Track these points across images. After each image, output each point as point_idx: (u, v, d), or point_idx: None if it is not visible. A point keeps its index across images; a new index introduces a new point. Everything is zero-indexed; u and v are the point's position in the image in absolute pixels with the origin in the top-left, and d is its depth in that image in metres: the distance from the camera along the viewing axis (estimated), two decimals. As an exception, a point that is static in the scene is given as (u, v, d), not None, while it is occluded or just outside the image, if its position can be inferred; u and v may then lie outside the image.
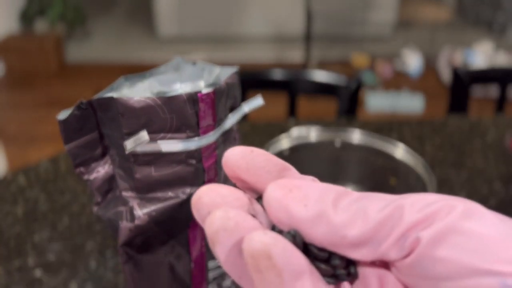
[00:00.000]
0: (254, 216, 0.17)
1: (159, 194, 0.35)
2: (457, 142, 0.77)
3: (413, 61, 2.62)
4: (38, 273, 0.49)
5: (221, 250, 0.15)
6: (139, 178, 0.35)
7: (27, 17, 2.80)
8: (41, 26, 2.83)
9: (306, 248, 0.16)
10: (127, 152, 0.33)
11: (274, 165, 0.18)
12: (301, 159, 0.56)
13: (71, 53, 2.88)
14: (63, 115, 0.33)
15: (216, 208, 0.16)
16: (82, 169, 0.36)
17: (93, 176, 0.36)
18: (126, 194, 0.37)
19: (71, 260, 0.51)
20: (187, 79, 0.37)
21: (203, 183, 0.35)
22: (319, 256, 0.16)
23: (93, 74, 2.64)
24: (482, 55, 2.52)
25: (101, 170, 0.37)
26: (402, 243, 0.15)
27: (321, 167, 0.58)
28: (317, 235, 0.16)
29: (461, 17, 3.43)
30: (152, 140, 0.33)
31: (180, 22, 3.04)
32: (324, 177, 0.28)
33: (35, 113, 2.22)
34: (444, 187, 0.65)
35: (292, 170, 0.18)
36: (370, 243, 0.15)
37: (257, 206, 0.18)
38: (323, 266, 0.16)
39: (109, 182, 0.37)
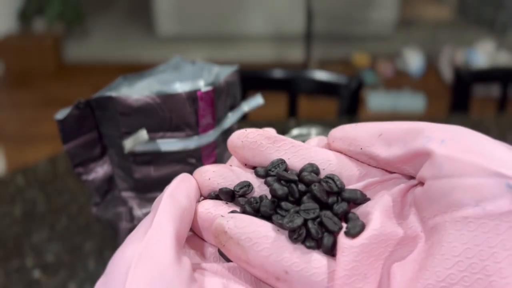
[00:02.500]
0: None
1: (159, 194, 0.34)
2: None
3: (414, 61, 2.62)
4: (36, 274, 0.49)
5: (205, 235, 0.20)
6: (139, 178, 0.35)
7: (25, 16, 2.79)
8: (39, 25, 2.82)
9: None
10: (126, 152, 0.32)
11: (265, 138, 0.20)
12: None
13: (70, 52, 2.87)
14: (61, 114, 0.33)
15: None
16: (80, 169, 0.35)
17: (92, 176, 0.36)
18: (126, 194, 0.36)
19: (70, 261, 0.50)
20: (187, 78, 0.36)
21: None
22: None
23: (91, 73, 2.64)
24: (483, 55, 2.52)
25: (100, 170, 0.36)
26: (425, 142, 0.17)
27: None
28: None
29: (462, 16, 3.43)
30: (151, 139, 0.33)
31: (179, 21, 3.03)
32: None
33: (34, 112, 2.22)
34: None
35: (284, 139, 0.20)
36: (400, 141, 0.18)
37: (248, 175, 0.20)
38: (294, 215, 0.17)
39: (108, 183, 0.37)
